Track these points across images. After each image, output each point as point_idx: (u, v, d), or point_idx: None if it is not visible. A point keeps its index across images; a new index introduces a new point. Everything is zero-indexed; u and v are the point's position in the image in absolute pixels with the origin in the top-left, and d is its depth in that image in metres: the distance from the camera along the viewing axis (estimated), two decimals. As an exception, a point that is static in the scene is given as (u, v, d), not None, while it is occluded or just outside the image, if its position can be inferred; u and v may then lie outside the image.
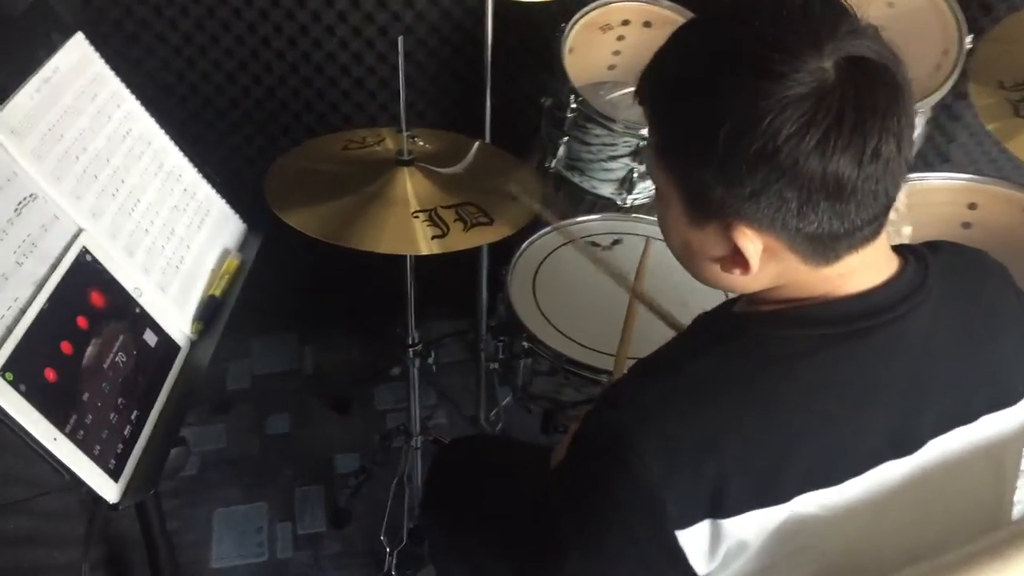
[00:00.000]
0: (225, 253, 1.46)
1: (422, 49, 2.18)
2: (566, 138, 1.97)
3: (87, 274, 1.20)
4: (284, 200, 1.48)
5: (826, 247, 0.90)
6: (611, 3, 2.01)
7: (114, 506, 1.09)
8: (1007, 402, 0.99)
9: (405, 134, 1.51)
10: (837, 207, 0.86)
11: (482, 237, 1.46)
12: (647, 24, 2.07)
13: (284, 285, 2.25)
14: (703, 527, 0.89)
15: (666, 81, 0.89)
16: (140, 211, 1.33)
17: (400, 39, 1.42)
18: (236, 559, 2.19)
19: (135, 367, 1.20)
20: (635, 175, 1.95)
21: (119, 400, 1.16)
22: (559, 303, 1.73)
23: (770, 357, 0.92)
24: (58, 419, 1.06)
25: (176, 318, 1.31)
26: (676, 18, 2.02)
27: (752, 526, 0.90)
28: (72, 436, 1.07)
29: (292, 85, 2.16)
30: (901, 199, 1.98)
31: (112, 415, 1.14)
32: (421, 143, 1.55)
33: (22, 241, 1.13)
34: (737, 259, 0.90)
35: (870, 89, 0.83)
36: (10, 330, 1.05)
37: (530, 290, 1.76)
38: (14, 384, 1.02)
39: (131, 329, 1.22)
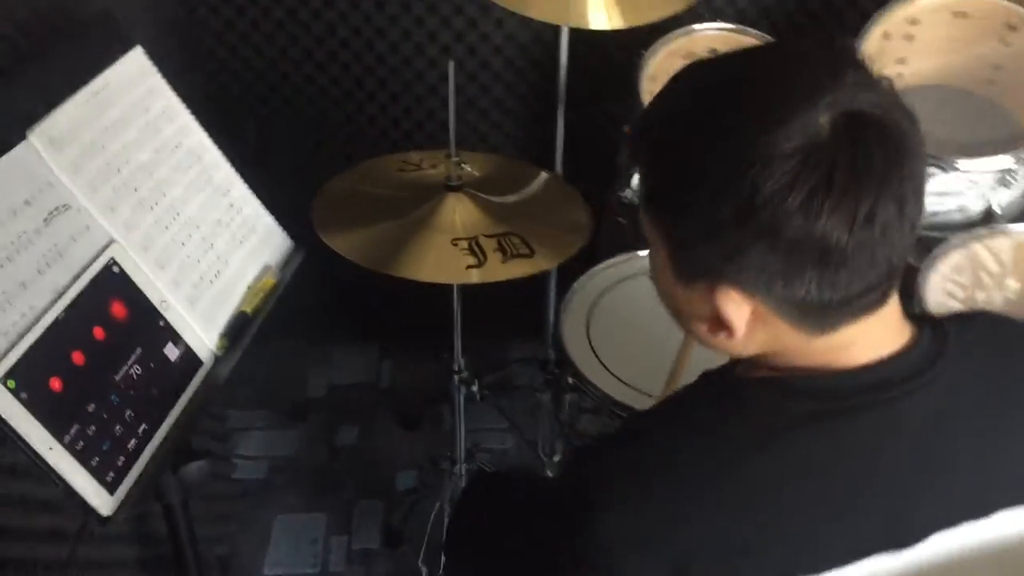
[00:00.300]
0: (266, 269, 1.46)
1: (487, 72, 2.16)
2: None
3: (111, 285, 1.21)
4: (330, 221, 1.48)
5: (818, 316, 0.83)
6: (697, 31, 1.94)
7: (105, 519, 1.10)
8: (1019, 499, 0.88)
9: (453, 159, 1.49)
10: (826, 274, 0.79)
11: (520, 269, 1.42)
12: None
13: (367, 297, 2.26)
14: None
15: (653, 129, 0.84)
16: (178, 224, 1.34)
17: (451, 64, 1.40)
18: (289, 568, 2.21)
19: (150, 380, 1.21)
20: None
21: (127, 413, 1.17)
22: (613, 339, 1.67)
23: (752, 429, 0.86)
24: (57, 429, 1.07)
25: (202, 333, 1.32)
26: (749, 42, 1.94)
27: None
28: (70, 447, 1.08)
29: (357, 102, 2.19)
30: (1005, 250, 1.85)
31: (118, 427, 1.15)
32: (469, 168, 1.52)
33: (48, 250, 1.15)
34: (722, 322, 0.84)
35: (868, 148, 0.76)
36: (20, 337, 1.07)
37: (583, 323, 1.70)
38: (15, 392, 1.04)
39: (151, 342, 1.24)
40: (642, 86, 1.84)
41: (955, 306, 1.92)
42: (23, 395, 1.05)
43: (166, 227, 1.33)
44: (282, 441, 2.55)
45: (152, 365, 1.23)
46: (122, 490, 1.13)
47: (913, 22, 1.95)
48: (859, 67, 0.80)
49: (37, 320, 1.10)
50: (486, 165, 1.63)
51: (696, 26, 1.92)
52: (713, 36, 1.97)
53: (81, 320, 1.15)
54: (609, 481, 0.87)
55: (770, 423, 0.85)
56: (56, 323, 1.12)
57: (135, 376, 1.20)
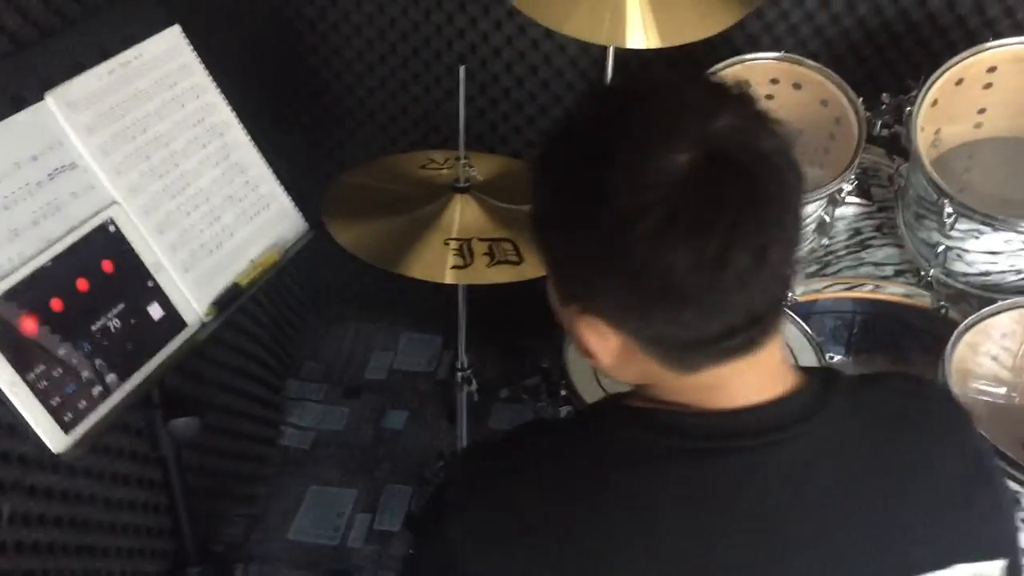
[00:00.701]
0: (274, 247, 1.54)
1: (545, 92, 2.19)
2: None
3: (104, 243, 1.31)
4: (337, 211, 1.54)
5: (680, 355, 0.83)
6: (755, 60, 1.91)
7: (57, 455, 1.19)
8: (900, 571, 0.85)
9: (461, 161, 1.52)
10: (675, 313, 0.78)
11: (503, 275, 1.44)
12: (796, 86, 1.94)
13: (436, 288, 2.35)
14: None
15: (543, 150, 0.86)
16: (187, 195, 1.43)
17: (462, 69, 1.44)
18: (310, 536, 2.30)
19: (127, 335, 1.30)
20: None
21: (97, 361, 1.26)
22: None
23: (612, 457, 0.86)
24: (22, 366, 1.17)
25: (193, 298, 1.40)
26: (820, 79, 1.89)
27: None
28: (32, 384, 1.18)
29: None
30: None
31: (85, 374, 1.24)
32: (475, 172, 1.55)
33: (46, 204, 1.26)
34: (587, 348, 0.85)
35: (722, 190, 0.75)
36: (2, 279, 1.18)
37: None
38: (-15, 327, 1.15)
39: (136, 300, 1.33)
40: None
41: (1000, 372, 1.82)
42: (-7, 332, 1.15)
43: (173, 196, 1.42)
44: (332, 416, 2.64)
45: (132, 321, 1.32)
46: (79, 431, 1.22)
47: (991, 70, 1.85)
48: (740, 111, 0.78)
49: (22, 266, 1.20)
50: (502, 169, 1.66)
51: (750, 56, 1.88)
52: (767, 65, 1.92)
53: (66, 271, 1.25)
54: (474, 487, 0.89)
55: (630, 454, 0.85)
56: (40, 270, 1.22)
57: (112, 329, 1.29)
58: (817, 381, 0.89)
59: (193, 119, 1.47)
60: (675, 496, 0.84)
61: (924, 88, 1.80)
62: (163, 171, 1.41)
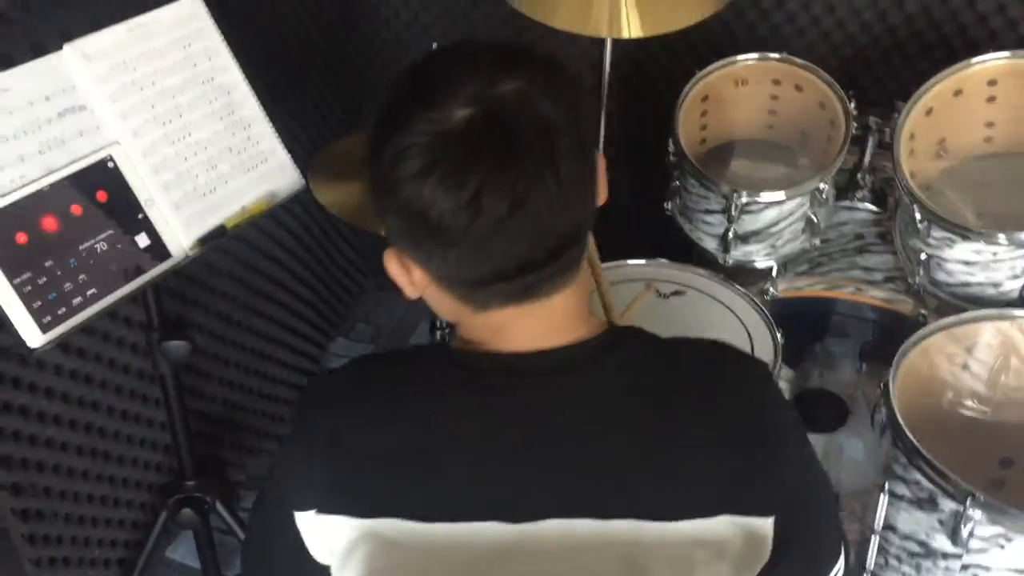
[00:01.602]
0: (269, 197, 1.71)
1: None
2: (676, 183, 1.98)
3: (102, 176, 1.51)
4: (321, 172, 1.69)
5: (464, 293, 0.94)
6: (753, 61, 1.97)
7: (32, 349, 1.40)
8: (653, 515, 0.93)
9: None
10: (441, 250, 0.90)
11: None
12: (798, 88, 1.99)
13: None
14: (311, 516, 0.98)
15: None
16: (187, 143, 1.62)
17: (435, 45, 1.57)
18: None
19: (112, 257, 1.49)
20: (730, 235, 1.90)
21: (81, 276, 1.45)
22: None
23: (416, 386, 0.98)
24: (10, 270, 1.37)
25: (180, 233, 1.58)
26: (816, 81, 1.93)
27: (345, 530, 0.97)
28: (18, 287, 1.38)
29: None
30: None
31: (67, 285, 1.44)
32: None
33: (53, 137, 1.47)
34: (394, 280, 0.97)
35: (484, 141, 0.86)
36: (3, 196, 1.39)
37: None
38: (-18, 234, 1.36)
39: (124, 228, 1.52)
40: (683, 106, 1.91)
41: (976, 386, 1.81)
42: (-12, 238, 1.36)
43: (173, 142, 1.60)
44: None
45: (119, 246, 1.51)
46: (55, 332, 1.42)
47: (991, 83, 1.85)
48: (530, 77, 0.89)
49: (23, 187, 1.41)
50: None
51: (747, 56, 1.95)
52: (769, 65, 1.98)
53: (63, 196, 1.45)
54: (316, 401, 1.03)
55: (431, 384, 0.97)
56: (39, 192, 1.43)
57: (99, 250, 1.49)
58: (611, 335, 0.99)
59: (203, 77, 1.66)
60: (461, 423, 0.95)
61: (916, 96, 1.82)
62: (166, 119, 1.60)
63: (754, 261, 2.00)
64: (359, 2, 2.53)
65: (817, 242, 1.98)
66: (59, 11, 1.56)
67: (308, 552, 0.99)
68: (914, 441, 1.51)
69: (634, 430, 0.94)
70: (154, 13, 1.61)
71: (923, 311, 1.88)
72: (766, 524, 0.95)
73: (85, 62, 1.51)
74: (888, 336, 2.08)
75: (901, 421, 1.54)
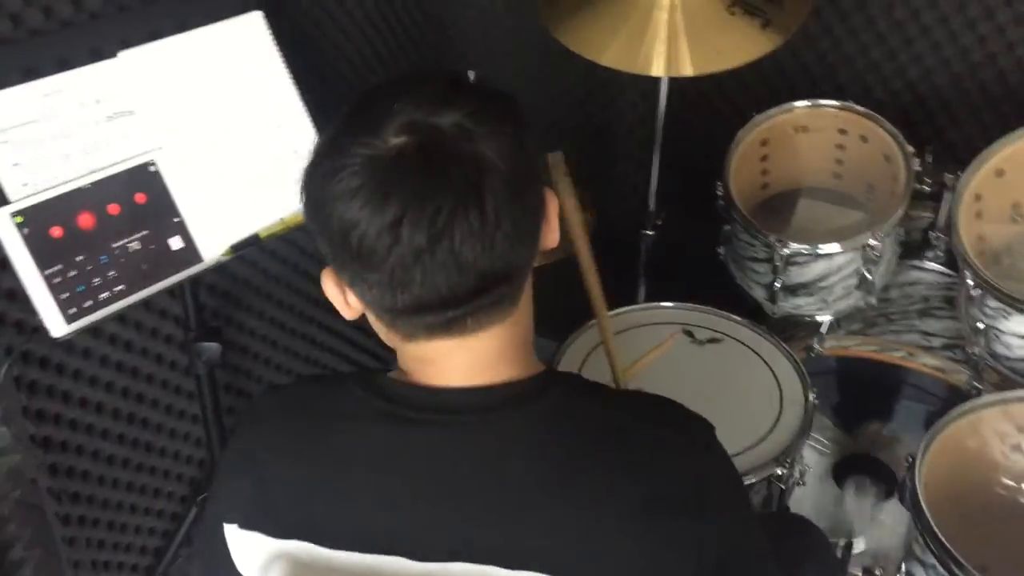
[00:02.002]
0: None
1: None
2: (728, 227, 1.93)
3: (142, 179, 1.57)
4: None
5: (390, 321, 0.95)
6: (814, 107, 1.90)
7: (54, 338, 1.46)
8: (555, 571, 0.91)
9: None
10: (363, 274, 0.90)
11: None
12: (863, 138, 1.91)
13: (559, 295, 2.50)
14: (234, 529, 1.00)
15: None
16: (230, 153, 1.67)
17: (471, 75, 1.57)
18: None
19: (143, 257, 1.55)
20: (776, 286, 1.84)
21: (111, 272, 1.52)
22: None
23: (341, 410, 0.99)
24: (42, 262, 1.44)
25: (213, 239, 1.63)
26: (881, 133, 1.85)
27: (261, 547, 0.98)
28: (48, 278, 1.45)
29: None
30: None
31: (96, 280, 1.50)
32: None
33: (99, 139, 1.54)
34: (331, 300, 0.98)
35: (411, 171, 0.86)
36: (42, 191, 1.46)
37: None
38: (19, 226, 1.43)
39: (159, 231, 1.57)
40: (736, 151, 1.86)
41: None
42: (25, 231, 1.43)
43: (217, 151, 1.65)
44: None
45: (152, 247, 1.57)
46: (79, 324, 1.49)
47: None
48: (470, 112, 0.88)
49: (64, 184, 1.49)
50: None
51: (804, 102, 1.88)
52: (834, 113, 1.91)
53: (101, 195, 1.52)
54: (253, 415, 1.06)
55: (355, 411, 0.98)
56: (78, 190, 1.50)
57: (131, 250, 1.55)
58: (540, 380, 0.96)
59: (254, 90, 1.71)
60: (374, 454, 0.95)
61: (984, 155, 1.73)
62: (212, 129, 1.66)
63: (805, 315, 1.92)
64: (432, 30, 2.55)
65: (873, 300, 1.89)
66: (121, 19, 1.64)
67: (234, 564, 1.00)
68: (931, 522, 1.42)
69: (548, 484, 0.92)
70: (214, 26, 1.67)
71: (977, 384, 1.76)
72: None
73: (138, 70, 1.58)
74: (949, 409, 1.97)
75: (922, 499, 1.45)
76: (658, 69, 1.69)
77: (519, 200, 0.89)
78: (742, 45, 1.67)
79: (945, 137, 2.11)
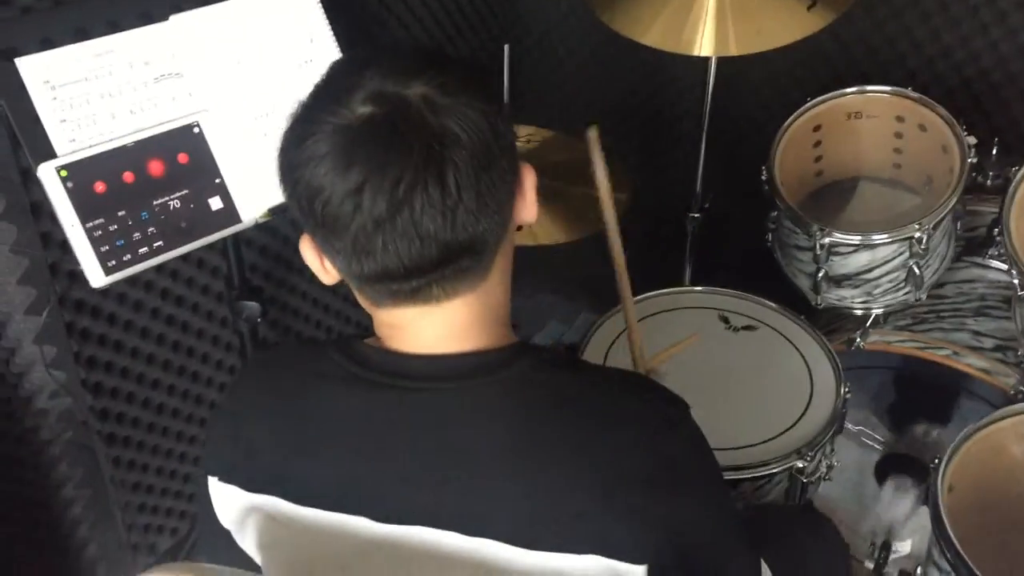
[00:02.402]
0: (349, 178, 1.78)
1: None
2: (775, 213, 1.89)
3: (186, 140, 1.62)
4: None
5: (359, 287, 0.96)
6: (867, 93, 1.84)
7: (93, 288, 1.53)
8: (520, 542, 0.92)
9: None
10: (330, 239, 0.92)
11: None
12: (922, 127, 1.84)
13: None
14: (215, 482, 1.04)
15: None
16: (274, 117, 1.71)
17: (506, 48, 1.58)
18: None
19: (183, 215, 1.61)
20: (819, 275, 1.80)
21: (150, 229, 1.58)
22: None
23: (319, 373, 1.01)
24: (85, 215, 1.51)
25: (253, 200, 1.68)
26: (940, 123, 1.77)
27: (236, 500, 1.02)
28: (89, 231, 1.51)
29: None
30: None
31: (136, 235, 1.56)
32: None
33: (146, 99, 1.60)
34: (310, 266, 1.01)
35: (375, 141, 0.88)
36: (88, 148, 1.53)
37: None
38: (64, 180, 1.50)
39: (200, 190, 1.62)
40: (784, 137, 1.81)
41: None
42: (69, 184, 1.50)
43: (261, 116, 1.70)
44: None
45: (192, 206, 1.62)
46: (116, 275, 1.55)
47: None
48: (438, 85, 0.89)
49: (109, 141, 1.55)
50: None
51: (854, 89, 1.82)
52: (889, 100, 1.84)
53: (145, 154, 1.58)
54: (246, 368, 1.10)
55: (330, 374, 1.00)
56: (122, 148, 1.56)
57: (172, 208, 1.60)
58: (508, 351, 0.97)
59: (301, 57, 1.75)
60: (344, 416, 0.97)
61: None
62: (258, 94, 1.70)
63: (850, 307, 1.87)
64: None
65: (923, 296, 1.83)
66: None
67: (215, 512, 1.04)
68: (948, 527, 1.37)
69: (509, 454, 0.92)
70: (265, -7, 1.71)
71: (1022, 388, 1.69)
72: (636, 571, 0.90)
73: (188, 33, 1.63)
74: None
75: (941, 503, 1.41)
76: (701, 48, 1.66)
77: (485, 174, 0.89)
78: (788, 24, 1.63)
79: (1019, 130, 2.01)
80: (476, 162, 0.88)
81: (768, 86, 2.21)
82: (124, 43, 1.58)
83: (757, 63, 2.09)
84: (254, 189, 1.68)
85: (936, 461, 1.47)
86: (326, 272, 0.98)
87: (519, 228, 1.05)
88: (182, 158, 1.62)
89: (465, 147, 0.87)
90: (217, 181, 1.65)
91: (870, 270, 1.77)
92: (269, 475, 0.98)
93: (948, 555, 1.37)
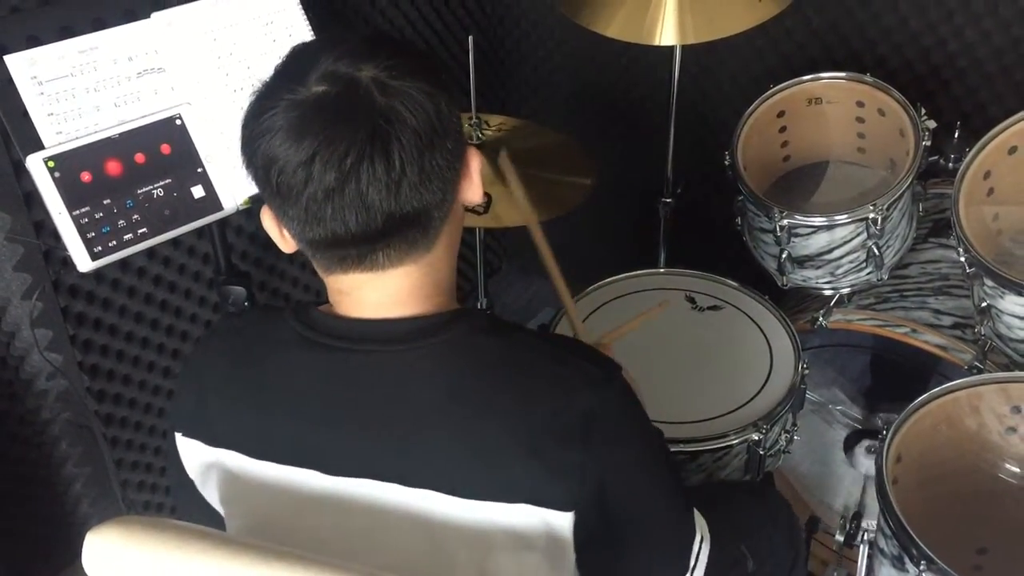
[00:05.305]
0: (328, 166, 1.86)
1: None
2: (740, 197, 1.95)
3: (168, 132, 1.70)
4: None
5: (311, 254, 1.04)
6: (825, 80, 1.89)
7: (87, 274, 1.62)
8: (453, 491, 0.99)
9: (472, 120, 1.74)
10: (283, 207, 1.00)
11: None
12: (881, 112, 1.89)
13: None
14: (179, 436, 1.13)
15: None
16: (255, 109, 1.79)
17: (471, 40, 1.65)
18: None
19: (166, 203, 1.69)
20: (783, 256, 1.86)
21: (135, 216, 1.66)
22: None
23: (274, 338, 1.09)
24: (71, 203, 1.60)
25: (234, 189, 1.76)
26: (895, 106, 1.82)
27: (199, 454, 1.10)
28: (75, 218, 1.60)
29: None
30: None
31: (121, 222, 1.65)
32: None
33: (129, 93, 1.68)
34: (272, 236, 1.08)
35: (322, 116, 0.95)
36: (74, 139, 1.62)
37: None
38: (51, 170, 1.59)
39: (182, 180, 1.71)
40: (747, 123, 1.87)
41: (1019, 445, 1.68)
42: (56, 174, 1.59)
43: (241, 108, 1.77)
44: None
45: (175, 194, 1.71)
46: (102, 260, 1.64)
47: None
48: (389, 66, 0.97)
49: (95, 133, 1.64)
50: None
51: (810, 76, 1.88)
52: (845, 85, 1.89)
53: (129, 145, 1.66)
54: (211, 331, 1.19)
55: (285, 338, 1.08)
56: (108, 140, 1.64)
57: (155, 196, 1.69)
58: (446, 316, 1.04)
59: (279, 51, 1.82)
60: (296, 376, 1.05)
61: (995, 131, 1.69)
62: (238, 87, 1.78)
63: (817, 288, 1.93)
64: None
65: (884, 276, 1.88)
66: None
67: (182, 464, 1.13)
68: (891, 496, 1.43)
69: (444, 411, 1.00)
70: (242, -9, 1.79)
71: (978, 364, 1.73)
72: (563, 518, 0.98)
73: (169, 30, 1.72)
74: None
75: (886, 473, 1.46)
76: (662, 38, 1.72)
77: (429, 152, 0.96)
78: (740, 14, 1.68)
79: (985, 115, 2.05)
80: (420, 141, 0.95)
81: (742, 74, 2.27)
82: (108, 40, 1.66)
83: (728, 52, 2.16)
84: (235, 178, 1.76)
85: (884, 431, 1.53)
86: (284, 240, 1.06)
87: (468, 209, 1.13)
88: (165, 149, 1.70)
89: (410, 126, 0.95)
90: (199, 170, 1.73)
91: (830, 250, 1.82)
92: (228, 431, 1.07)
93: (891, 523, 1.43)
